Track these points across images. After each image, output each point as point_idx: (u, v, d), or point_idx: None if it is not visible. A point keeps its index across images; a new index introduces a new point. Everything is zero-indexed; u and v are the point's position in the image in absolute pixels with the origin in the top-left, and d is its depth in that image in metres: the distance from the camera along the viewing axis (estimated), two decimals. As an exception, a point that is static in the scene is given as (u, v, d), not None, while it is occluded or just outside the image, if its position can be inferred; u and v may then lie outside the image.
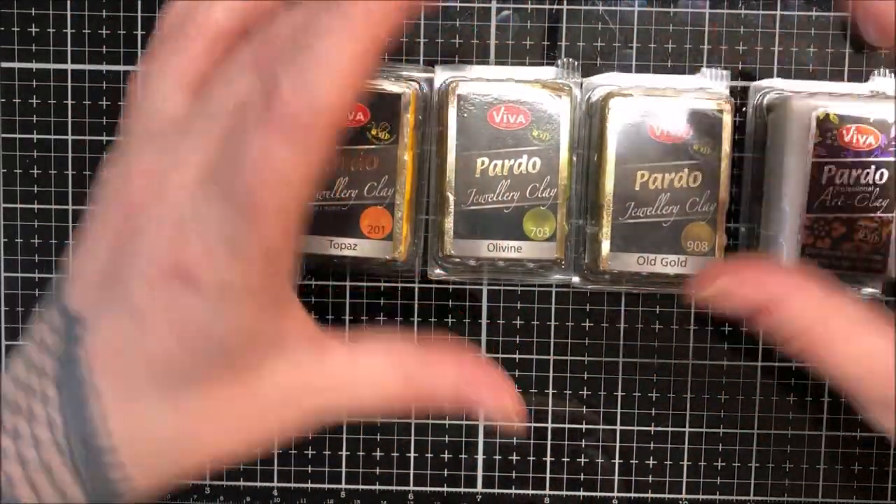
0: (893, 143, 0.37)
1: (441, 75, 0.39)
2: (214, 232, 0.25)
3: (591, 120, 0.39)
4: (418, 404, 0.30)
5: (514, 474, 0.42)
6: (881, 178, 0.37)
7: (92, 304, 0.27)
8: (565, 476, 0.42)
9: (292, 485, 0.42)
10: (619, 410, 0.42)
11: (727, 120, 0.38)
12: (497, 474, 0.42)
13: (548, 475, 0.42)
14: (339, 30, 0.24)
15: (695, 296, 0.29)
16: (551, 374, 0.42)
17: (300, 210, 0.26)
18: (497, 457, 0.42)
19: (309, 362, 0.29)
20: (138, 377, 0.27)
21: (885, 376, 0.28)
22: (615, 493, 0.42)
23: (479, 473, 0.42)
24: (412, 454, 0.42)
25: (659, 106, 0.38)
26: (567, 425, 0.42)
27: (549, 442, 0.42)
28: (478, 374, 0.30)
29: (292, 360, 0.29)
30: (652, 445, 0.42)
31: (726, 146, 0.38)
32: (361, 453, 0.42)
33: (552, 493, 0.42)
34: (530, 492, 0.42)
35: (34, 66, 0.42)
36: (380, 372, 0.29)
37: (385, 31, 0.24)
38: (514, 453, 0.42)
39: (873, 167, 0.37)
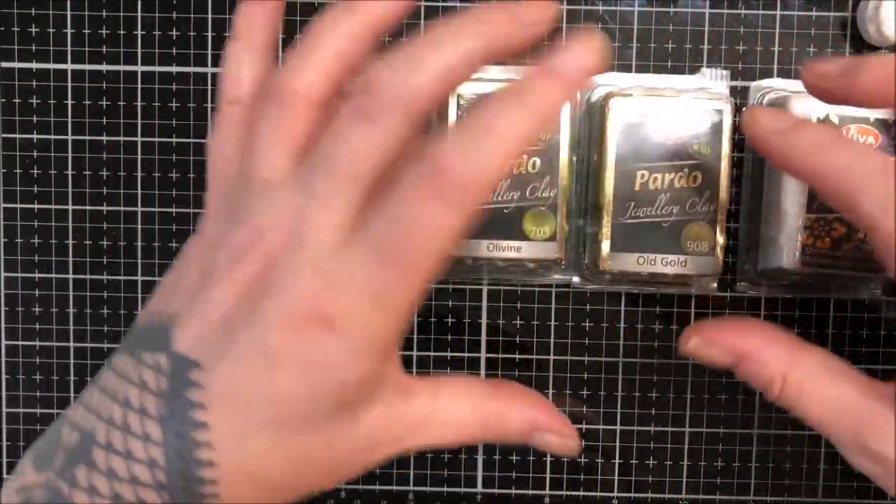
0: (893, 143, 0.37)
1: (441, 75, 0.39)
2: (363, 284, 0.26)
3: (591, 120, 0.39)
4: (491, 442, 0.33)
5: (514, 474, 0.42)
6: (881, 178, 0.37)
7: (211, 348, 0.28)
8: (565, 476, 0.42)
9: (292, 485, 0.42)
10: (619, 410, 0.42)
11: (727, 120, 0.38)
12: (497, 474, 0.42)
13: (548, 475, 0.42)
14: (519, 115, 0.26)
15: (680, 348, 0.33)
16: (551, 374, 0.42)
17: (441, 268, 0.27)
18: (497, 457, 0.42)
19: (397, 404, 0.30)
20: (255, 416, 0.28)
21: (855, 419, 0.30)
22: (615, 493, 0.42)
23: (479, 473, 0.42)
24: (412, 454, 0.42)
25: (659, 106, 0.38)
26: (567, 425, 0.42)
27: (549, 442, 0.42)
28: (544, 418, 0.33)
29: (385, 402, 0.30)
30: (652, 445, 0.42)
31: (726, 146, 0.38)
32: (361, 453, 0.42)
33: (552, 493, 0.42)
34: (530, 492, 0.42)
35: (34, 66, 0.42)
36: (459, 414, 0.32)
37: (548, 118, 0.27)
38: (514, 453, 0.42)
39: (873, 167, 0.37)
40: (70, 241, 0.42)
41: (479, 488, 0.42)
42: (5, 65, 0.42)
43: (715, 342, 0.32)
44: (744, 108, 0.40)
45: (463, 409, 0.32)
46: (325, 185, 0.27)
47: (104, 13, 0.41)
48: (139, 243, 0.42)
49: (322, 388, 0.27)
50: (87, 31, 0.41)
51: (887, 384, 0.31)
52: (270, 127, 0.29)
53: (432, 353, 0.42)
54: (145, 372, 0.28)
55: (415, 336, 0.42)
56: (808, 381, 0.31)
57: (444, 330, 0.42)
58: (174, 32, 0.41)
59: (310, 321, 0.26)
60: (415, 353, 0.42)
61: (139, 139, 0.42)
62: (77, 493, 0.28)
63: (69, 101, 0.42)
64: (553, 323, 0.42)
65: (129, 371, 0.29)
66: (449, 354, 0.42)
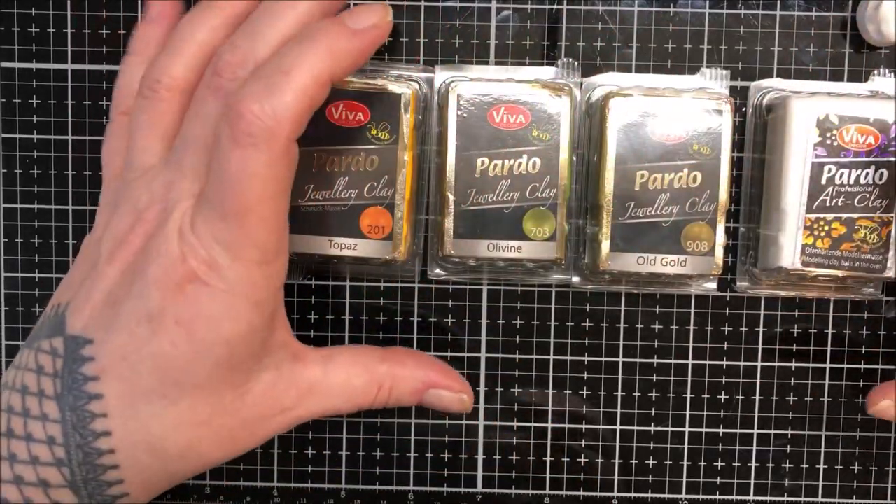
0: (893, 143, 0.37)
1: (441, 75, 0.39)
2: (213, 240, 0.29)
3: (591, 120, 0.39)
4: (386, 407, 0.35)
5: (514, 474, 0.42)
6: (881, 178, 0.37)
7: (100, 323, 0.30)
8: (565, 476, 0.42)
9: (292, 485, 0.42)
10: (619, 410, 0.42)
11: (727, 120, 0.38)
12: (497, 474, 0.42)
13: (548, 475, 0.42)
14: (309, 54, 0.28)
15: (868, 409, 0.36)
16: (551, 374, 0.42)
17: (282, 211, 0.30)
18: (497, 457, 0.42)
19: (289, 372, 0.32)
20: (144, 381, 0.29)
21: None
22: (615, 493, 0.42)
23: (479, 473, 0.42)
24: (412, 454, 0.42)
25: (659, 106, 0.38)
26: (567, 425, 0.42)
27: (549, 442, 0.42)
28: (436, 377, 0.35)
29: (276, 370, 0.32)
30: (652, 445, 0.42)
31: (726, 146, 0.38)
32: (361, 453, 0.42)
33: (552, 493, 0.42)
34: (530, 492, 0.42)
35: (34, 66, 0.42)
36: (352, 380, 0.33)
37: (343, 66, 0.29)
38: (514, 453, 0.42)
39: (873, 167, 0.37)
40: (70, 241, 0.42)
41: (479, 488, 0.42)
42: (5, 65, 0.42)
43: None
44: (743, 109, 0.40)
45: (354, 375, 0.33)
46: (190, 158, 0.30)
47: (104, 13, 0.41)
48: (139, 243, 0.42)
49: (205, 346, 0.29)
50: (87, 31, 0.41)
51: None
52: (145, 118, 0.33)
53: (432, 354, 0.42)
54: (42, 357, 0.30)
55: (415, 336, 0.42)
56: None
57: (444, 330, 0.42)
58: (174, 32, 0.41)
59: (183, 281, 0.29)
60: (415, 353, 0.42)
61: (139, 139, 0.42)
62: None
63: (69, 101, 0.42)
64: (553, 323, 0.42)
65: (28, 361, 0.31)
66: (449, 354, 0.42)
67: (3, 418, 0.30)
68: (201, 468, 0.31)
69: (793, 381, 0.42)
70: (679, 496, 0.42)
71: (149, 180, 0.31)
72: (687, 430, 0.42)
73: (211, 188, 0.29)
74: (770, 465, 0.42)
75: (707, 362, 0.42)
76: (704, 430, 0.42)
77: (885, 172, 0.37)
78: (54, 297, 0.33)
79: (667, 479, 0.42)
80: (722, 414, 0.42)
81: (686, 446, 0.42)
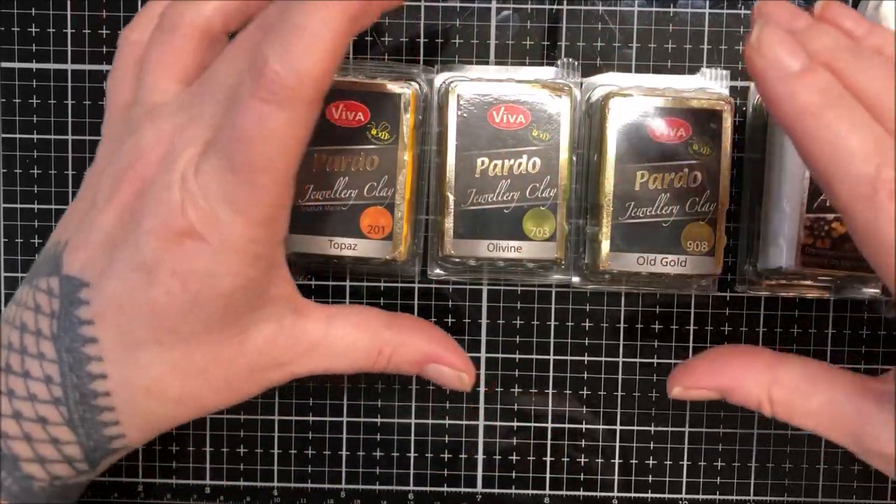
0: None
1: (441, 75, 0.39)
2: (217, 194, 0.28)
3: (591, 120, 0.39)
4: (384, 372, 0.34)
5: (514, 474, 0.42)
6: (881, 178, 0.37)
7: (97, 267, 0.30)
8: (565, 476, 0.42)
9: (292, 485, 0.42)
10: (619, 410, 0.42)
11: (727, 120, 0.38)
12: (497, 474, 0.42)
13: (548, 475, 0.42)
14: (320, 8, 0.27)
15: (671, 393, 0.33)
16: (551, 374, 0.42)
17: (293, 171, 0.29)
18: (497, 457, 0.42)
19: (290, 326, 0.32)
20: (140, 328, 0.29)
21: (848, 424, 0.30)
22: (615, 493, 0.42)
23: (479, 473, 0.42)
24: (412, 454, 0.42)
25: (659, 106, 0.38)
26: (567, 425, 0.42)
27: (549, 442, 0.42)
28: (439, 350, 0.34)
29: (277, 322, 0.31)
30: (652, 445, 0.42)
31: (726, 146, 0.38)
32: (361, 453, 0.42)
33: (552, 493, 0.42)
34: (530, 492, 0.42)
35: (34, 66, 0.42)
36: (355, 341, 0.33)
37: (360, 14, 0.28)
38: (514, 453, 0.42)
39: (873, 167, 0.37)
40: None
41: (479, 488, 0.42)
42: (5, 65, 0.42)
43: (695, 386, 0.33)
44: (743, 109, 0.40)
45: (359, 337, 0.33)
46: (209, 106, 0.29)
47: (104, 13, 0.41)
48: (139, 243, 0.42)
49: (201, 297, 0.29)
50: (87, 31, 0.41)
51: (875, 379, 0.30)
52: (161, 53, 0.31)
53: (432, 353, 0.42)
54: (39, 296, 0.30)
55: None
56: (794, 395, 0.31)
57: (444, 330, 0.42)
58: (174, 32, 0.41)
59: (181, 234, 0.28)
60: (415, 353, 0.42)
61: (139, 139, 0.42)
62: None
63: (69, 101, 0.42)
64: (553, 323, 0.42)
65: (27, 298, 0.31)
66: (449, 354, 0.42)
67: (2, 354, 0.30)
68: (202, 413, 0.32)
69: (793, 381, 0.42)
70: (679, 496, 0.42)
71: (156, 119, 0.30)
72: (687, 430, 0.42)
73: (223, 139, 0.28)
74: (770, 465, 0.42)
75: (707, 362, 0.42)
76: (704, 430, 0.42)
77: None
78: (56, 230, 0.33)
79: (667, 479, 0.42)
80: (722, 414, 0.42)
81: (686, 446, 0.42)
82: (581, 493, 0.42)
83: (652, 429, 0.42)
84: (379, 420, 0.42)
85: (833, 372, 0.31)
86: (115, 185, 0.30)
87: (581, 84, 0.40)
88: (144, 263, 0.29)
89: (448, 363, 0.34)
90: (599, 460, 0.42)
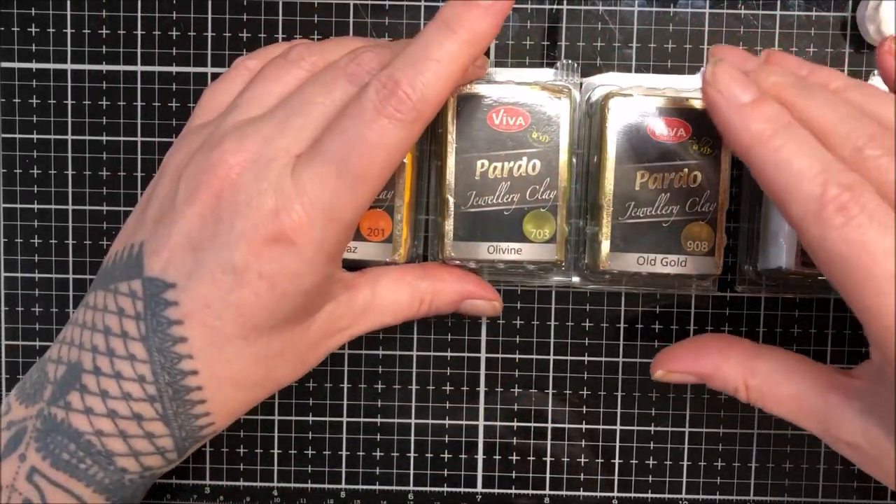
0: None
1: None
2: (318, 199, 0.30)
3: (591, 120, 0.39)
4: (427, 316, 0.39)
5: (514, 474, 0.42)
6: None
7: (182, 269, 0.31)
8: (565, 476, 0.42)
9: (292, 485, 0.43)
10: (619, 410, 0.42)
11: (727, 120, 0.37)
12: (497, 474, 0.42)
13: (548, 475, 0.42)
14: (451, 42, 0.30)
15: (654, 376, 0.36)
16: (551, 374, 0.42)
17: (385, 182, 0.32)
18: (497, 457, 0.42)
19: (345, 300, 0.35)
20: (227, 327, 0.31)
21: (817, 414, 0.32)
22: (615, 493, 0.42)
23: (479, 473, 0.43)
24: (412, 454, 0.42)
25: (659, 106, 0.38)
26: (567, 425, 0.42)
27: (549, 442, 0.42)
28: (471, 287, 0.39)
29: (334, 299, 0.34)
30: (652, 445, 0.42)
31: (726, 146, 0.38)
32: (361, 453, 0.43)
33: (552, 493, 0.42)
34: (530, 492, 0.42)
35: (34, 66, 0.42)
36: (397, 298, 0.37)
37: (481, 48, 0.31)
38: (514, 453, 0.42)
39: (873, 168, 0.37)
40: (70, 241, 0.42)
41: (479, 488, 0.43)
42: (5, 65, 0.42)
43: (676, 370, 0.35)
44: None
45: (400, 294, 0.37)
46: (299, 120, 0.31)
47: (104, 13, 0.41)
48: (139, 243, 0.42)
49: (285, 297, 0.31)
50: (87, 31, 0.41)
51: (845, 373, 0.32)
52: (275, 75, 0.34)
53: (432, 354, 0.42)
54: (121, 299, 0.32)
55: (415, 336, 0.42)
56: (766, 384, 0.33)
57: (445, 330, 0.42)
58: (174, 32, 0.41)
59: (270, 239, 0.30)
60: (415, 353, 0.42)
61: (139, 139, 0.42)
62: (74, 416, 0.31)
63: (69, 101, 0.42)
64: (553, 323, 0.42)
65: (106, 302, 0.32)
66: (449, 354, 0.42)
67: (87, 356, 0.32)
68: (276, 389, 0.34)
69: (793, 381, 0.42)
70: (679, 496, 0.42)
71: (243, 127, 0.32)
72: (687, 430, 0.42)
73: (333, 147, 0.30)
74: (770, 465, 0.42)
75: (707, 362, 0.42)
76: (704, 430, 0.42)
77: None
78: (124, 234, 0.34)
79: (667, 479, 0.42)
80: (722, 414, 0.42)
81: (686, 446, 0.42)
82: (581, 493, 0.42)
83: (652, 429, 0.42)
84: (379, 420, 0.42)
85: (808, 365, 0.33)
86: (195, 188, 0.31)
87: (581, 84, 0.40)
88: (233, 265, 0.30)
89: (480, 296, 0.39)
90: (599, 460, 0.42)
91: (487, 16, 0.31)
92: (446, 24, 0.31)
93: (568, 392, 0.42)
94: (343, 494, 0.43)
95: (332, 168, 0.30)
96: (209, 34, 0.41)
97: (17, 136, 0.42)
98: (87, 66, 0.42)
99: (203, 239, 0.31)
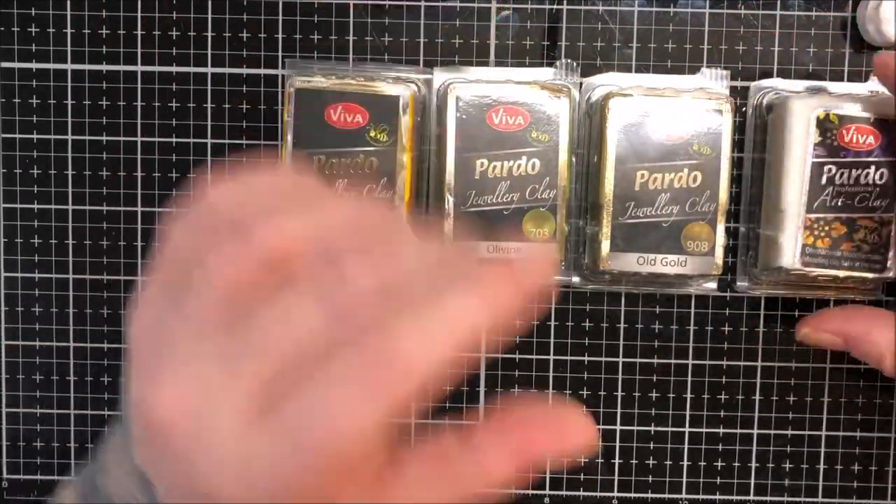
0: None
1: (439, 77, 0.39)
2: (261, 469, 0.23)
3: (591, 120, 0.39)
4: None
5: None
6: (881, 178, 0.37)
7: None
8: (565, 476, 0.42)
9: (292, 485, 0.42)
10: (619, 410, 0.42)
11: (727, 120, 0.38)
12: (497, 474, 0.42)
13: (548, 475, 0.42)
14: (476, 307, 0.23)
15: (796, 336, 0.38)
16: (551, 374, 0.42)
17: (368, 455, 0.23)
18: (497, 457, 0.42)
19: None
20: None
21: None
22: (615, 493, 0.42)
23: (479, 473, 0.42)
24: (412, 454, 0.42)
25: (659, 106, 0.38)
26: (567, 425, 0.42)
27: (548, 442, 0.42)
28: (528, 439, 0.26)
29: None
30: (652, 445, 0.42)
31: (726, 146, 0.38)
32: (361, 453, 0.42)
33: (552, 493, 0.42)
34: (530, 492, 0.42)
35: (34, 66, 0.42)
36: (435, 489, 0.25)
37: (496, 315, 0.23)
38: (514, 453, 0.42)
39: (873, 167, 0.37)
40: (70, 241, 0.42)
41: (479, 488, 0.42)
42: (5, 65, 0.42)
43: (827, 329, 0.37)
44: (743, 109, 0.40)
45: (438, 487, 0.24)
46: (249, 352, 0.23)
47: (104, 13, 0.41)
48: (139, 243, 0.42)
49: None
50: (87, 31, 0.41)
51: None
52: (222, 264, 0.24)
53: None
54: None
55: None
56: None
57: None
58: (174, 32, 0.41)
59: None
60: (415, 353, 0.42)
61: (139, 139, 0.42)
62: None
63: (69, 101, 0.42)
64: (553, 323, 0.42)
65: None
66: (449, 354, 0.42)
67: None
68: None
69: (793, 381, 0.42)
70: (679, 496, 0.42)
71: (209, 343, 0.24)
72: (687, 430, 0.42)
73: (288, 408, 0.22)
74: (770, 465, 0.42)
75: (707, 362, 0.42)
76: (704, 430, 0.42)
77: (885, 172, 0.37)
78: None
79: (667, 479, 0.42)
80: (722, 414, 0.42)
81: (686, 446, 0.42)
82: (581, 493, 0.42)
83: (652, 429, 0.42)
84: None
85: None
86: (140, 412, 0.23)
87: (580, 84, 0.40)
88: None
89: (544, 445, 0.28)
90: (599, 460, 0.42)
91: (519, 291, 0.23)
92: (476, 284, 0.23)
93: (568, 392, 0.42)
94: (343, 494, 0.43)
95: (283, 431, 0.22)
96: (209, 34, 0.41)
97: (17, 136, 0.42)
98: (87, 66, 0.42)
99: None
